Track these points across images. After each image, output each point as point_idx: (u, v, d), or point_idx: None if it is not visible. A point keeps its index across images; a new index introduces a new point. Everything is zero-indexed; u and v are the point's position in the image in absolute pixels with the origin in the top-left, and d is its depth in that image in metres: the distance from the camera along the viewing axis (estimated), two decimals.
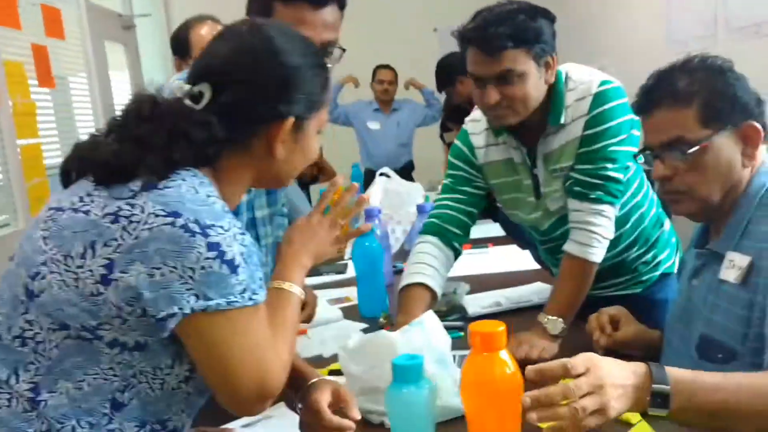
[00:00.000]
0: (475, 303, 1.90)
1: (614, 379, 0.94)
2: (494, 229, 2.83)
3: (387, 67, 5.16)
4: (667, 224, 1.84)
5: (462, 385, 0.98)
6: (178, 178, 0.94)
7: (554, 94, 1.60)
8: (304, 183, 3.98)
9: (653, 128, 1.26)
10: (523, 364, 1.09)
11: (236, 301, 0.92)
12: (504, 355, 0.97)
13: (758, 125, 1.20)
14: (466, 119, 1.81)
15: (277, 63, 1.03)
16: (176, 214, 0.90)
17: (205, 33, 2.16)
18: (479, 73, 1.55)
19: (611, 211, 1.59)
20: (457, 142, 1.81)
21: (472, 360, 0.97)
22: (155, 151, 0.94)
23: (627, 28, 4.59)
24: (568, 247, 1.61)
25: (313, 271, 2.57)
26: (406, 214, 2.49)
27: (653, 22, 4.14)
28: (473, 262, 2.38)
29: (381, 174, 2.69)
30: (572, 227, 1.62)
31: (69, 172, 1.01)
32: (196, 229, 0.90)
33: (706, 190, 1.22)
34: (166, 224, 0.89)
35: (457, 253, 1.77)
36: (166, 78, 5.83)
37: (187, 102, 1.01)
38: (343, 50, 1.47)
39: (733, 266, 1.19)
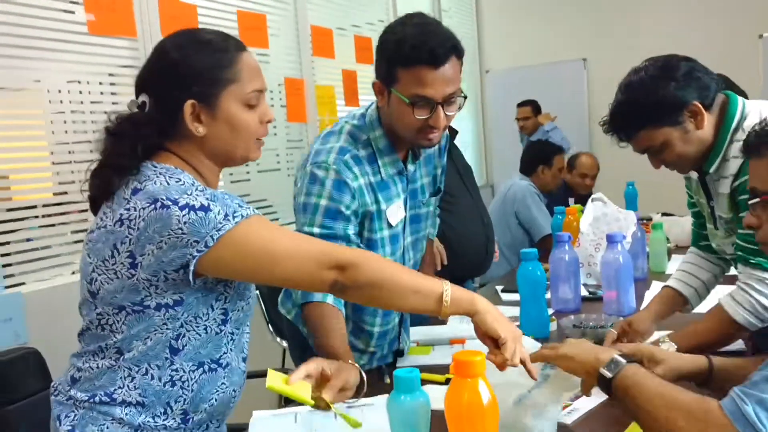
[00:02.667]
0: None
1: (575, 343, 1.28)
2: None
3: (522, 104, 5.62)
4: None
5: (445, 406, 1.08)
6: (153, 177, 1.21)
7: (718, 140, 1.54)
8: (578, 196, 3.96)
9: (749, 176, 1.22)
10: None
11: (225, 226, 1.17)
12: (481, 383, 1.05)
13: None
14: None
15: (165, 61, 1.25)
16: (155, 200, 1.18)
17: None
18: (636, 151, 1.63)
19: None
20: None
21: (452, 384, 1.08)
22: (122, 161, 1.22)
23: None
24: (723, 298, 1.56)
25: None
26: None
27: None
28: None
29: (594, 199, 2.66)
30: (737, 283, 1.56)
31: (94, 201, 1.30)
32: (169, 203, 1.17)
33: None
34: (151, 210, 1.17)
35: (725, 261, 1.81)
36: (473, 89, 6.43)
37: (135, 110, 1.27)
38: (465, 97, 1.61)
39: None
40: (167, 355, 1.26)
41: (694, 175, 1.72)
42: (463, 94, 1.60)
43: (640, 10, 5.84)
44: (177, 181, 1.21)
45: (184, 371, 1.27)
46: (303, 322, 1.72)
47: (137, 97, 1.27)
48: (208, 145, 1.27)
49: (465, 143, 6.52)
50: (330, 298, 1.60)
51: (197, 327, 1.27)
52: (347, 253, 1.25)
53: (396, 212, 1.72)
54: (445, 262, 2.22)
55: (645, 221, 3.26)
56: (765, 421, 0.95)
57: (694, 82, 1.52)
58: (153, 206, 1.17)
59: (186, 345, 1.26)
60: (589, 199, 2.68)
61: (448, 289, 1.26)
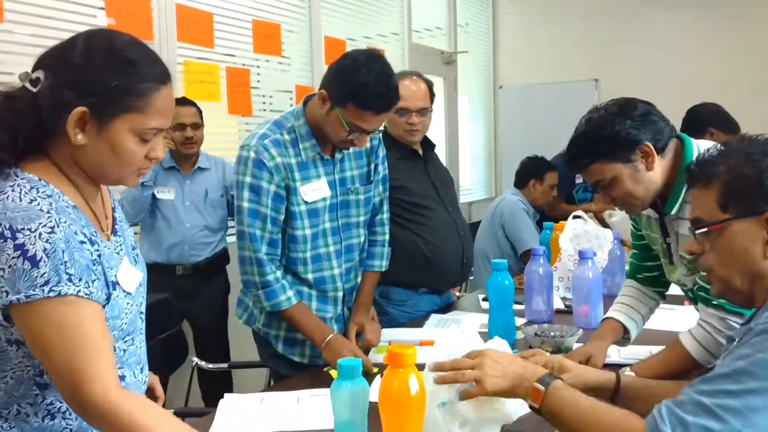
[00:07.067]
0: None
1: (495, 363, 1.27)
2: None
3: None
4: None
5: (379, 393, 1.21)
6: (8, 190, 1.09)
7: (676, 182, 1.61)
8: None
9: (692, 205, 1.28)
10: None
11: (36, 294, 1.04)
12: (411, 375, 1.18)
13: None
14: None
15: (81, 58, 1.12)
16: None
17: (405, 86, 2.46)
18: (587, 184, 1.70)
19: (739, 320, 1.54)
20: None
21: (386, 374, 1.21)
22: None
23: None
24: (683, 336, 1.64)
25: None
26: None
27: None
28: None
29: (575, 216, 2.76)
30: (698, 321, 1.64)
31: None
32: (8, 234, 1.04)
33: (725, 273, 1.20)
34: None
35: (660, 295, 1.95)
36: (485, 104, 6.54)
37: (27, 85, 1.12)
38: (381, 131, 2.03)
39: None
40: (36, 392, 1.16)
41: (649, 212, 1.77)
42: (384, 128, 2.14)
43: (652, 33, 5.91)
44: (31, 201, 1.08)
45: (60, 402, 1.17)
46: (263, 322, 2.04)
47: (33, 71, 1.14)
48: (83, 157, 1.16)
49: (476, 157, 6.65)
50: (294, 299, 1.92)
51: None
52: (100, 399, 1.08)
53: (314, 191, 1.96)
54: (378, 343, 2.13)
55: None
56: None
57: (649, 124, 1.59)
58: None
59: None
60: (570, 216, 2.79)
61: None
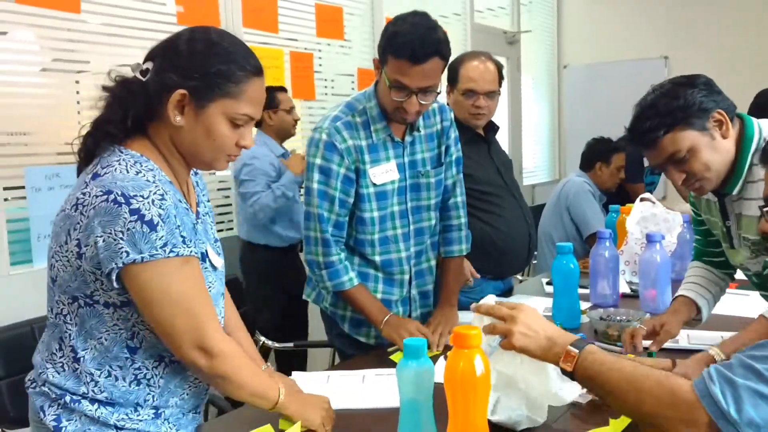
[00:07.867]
0: None
1: (529, 320, 1.25)
2: None
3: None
4: None
5: (444, 373, 1.22)
6: (115, 164, 1.20)
7: (738, 159, 1.54)
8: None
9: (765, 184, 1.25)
10: None
11: (158, 254, 1.16)
12: (477, 355, 1.19)
13: None
14: None
15: (185, 46, 1.24)
16: (109, 192, 1.15)
17: (473, 67, 2.43)
18: (655, 164, 1.60)
19: None
20: None
21: (451, 354, 1.22)
22: (110, 128, 1.22)
23: None
24: None
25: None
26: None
27: None
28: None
29: (642, 199, 2.69)
30: None
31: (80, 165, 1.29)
32: (122, 200, 1.14)
33: None
34: (102, 201, 1.15)
35: (729, 276, 1.91)
36: (549, 84, 6.40)
37: (137, 75, 1.25)
38: (438, 93, 1.86)
39: None
40: (127, 354, 1.26)
41: (709, 195, 1.70)
42: (437, 90, 1.86)
43: (726, 8, 5.67)
44: (137, 173, 1.20)
45: (147, 368, 1.28)
46: (330, 301, 2.08)
47: (144, 62, 1.28)
48: (181, 138, 1.27)
49: (540, 138, 6.54)
50: (355, 280, 1.95)
51: (149, 327, 1.26)
52: (220, 343, 1.25)
53: (383, 173, 1.96)
54: (471, 280, 2.36)
55: None
56: (730, 401, 1.00)
57: (716, 94, 1.54)
58: (105, 197, 1.15)
59: (143, 342, 1.27)
60: (638, 199, 2.72)
61: (282, 398, 1.36)
